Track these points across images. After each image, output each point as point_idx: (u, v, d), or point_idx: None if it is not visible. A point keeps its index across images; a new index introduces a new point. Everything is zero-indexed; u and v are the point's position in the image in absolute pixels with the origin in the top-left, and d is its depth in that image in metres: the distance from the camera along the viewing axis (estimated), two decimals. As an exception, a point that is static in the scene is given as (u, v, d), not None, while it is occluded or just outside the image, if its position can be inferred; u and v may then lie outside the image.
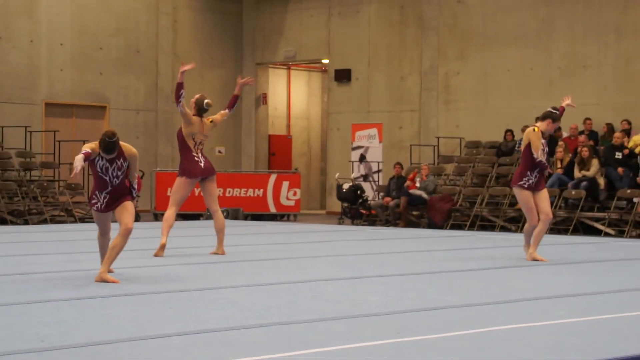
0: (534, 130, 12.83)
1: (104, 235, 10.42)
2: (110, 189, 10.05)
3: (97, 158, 9.95)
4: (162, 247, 12.81)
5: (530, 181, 12.81)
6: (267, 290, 9.59)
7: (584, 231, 20.26)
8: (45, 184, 23.19)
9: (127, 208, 10.10)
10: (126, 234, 9.98)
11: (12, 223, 21.52)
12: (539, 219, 12.81)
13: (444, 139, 25.51)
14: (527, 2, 24.47)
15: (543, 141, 12.83)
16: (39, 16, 25.68)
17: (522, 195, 12.86)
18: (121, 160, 10.00)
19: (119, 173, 10.03)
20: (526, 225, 13.09)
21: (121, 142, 9.99)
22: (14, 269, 11.29)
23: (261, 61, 29.92)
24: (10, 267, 11.63)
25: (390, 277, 10.94)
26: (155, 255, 12.78)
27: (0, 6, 24.98)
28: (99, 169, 9.99)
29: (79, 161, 9.70)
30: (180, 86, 12.91)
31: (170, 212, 13.04)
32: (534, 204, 12.85)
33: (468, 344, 6.65)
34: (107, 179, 10.02)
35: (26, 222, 21.70)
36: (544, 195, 12.89)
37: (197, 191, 24.40)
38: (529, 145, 12.82)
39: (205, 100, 13.23)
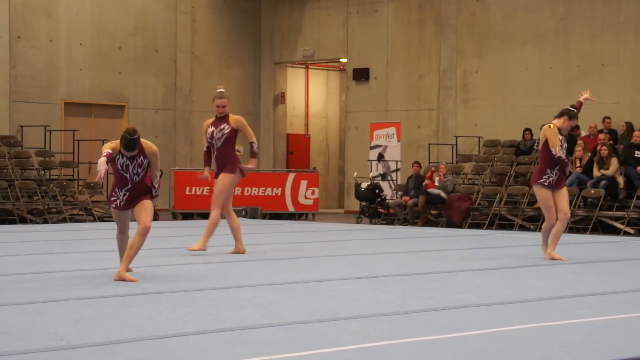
0: (549, 127, 12.78)
1: (122, 234, 10.43)
2: (130, 187, 10.08)
3: (118, 156, 9.99)
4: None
5: (551, 179, 12.75)
6: (285, 289, 9.60)
7: (603, 230, 20.19)
8: (64, 183, 23.26)
9: (146, 207, 10.12)
10: (144, 232, 10.01)
11: (32, 222, 21.60)
12: (557, 218, 12.77)
13: (462, 138, 25.47)
14: (546, 0, 24.40)
15: (561, 137, 12.77)
16: (58, 16, 25.76)
17: (542, 194, 12.82)
18: (141, 157, 10.03)
19: (139, 170, 10.05)
20: (544, 224, 13.05)
21: (142, 140, 10.02)
22: (33, 268, 11.33)
23: (279, 60, 29.94)
24: (29, 266, 11.68)
25: (407, 276, 10.94)
26: (190, 249, 12.84)
27: (20, 6, 25.07)
28: (119, 167, 10.02)
29: (102, 165, 9.73)
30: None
31: (219, 213, 12.93)
32: (552, 202, 12.80)
33: (486, 343, 6.63)
34: (128, 176, 10.04)
35: (45, 221, 21.77)
36: (563, 194, 12.84)
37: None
38: (546, 143, 12.77)
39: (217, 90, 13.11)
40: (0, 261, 12.38)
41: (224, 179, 12.95)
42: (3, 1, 24.71)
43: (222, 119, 13.02)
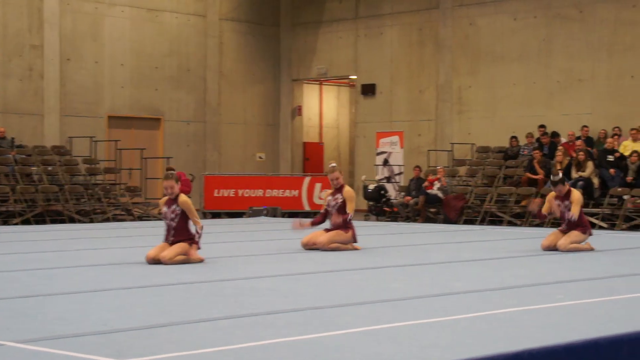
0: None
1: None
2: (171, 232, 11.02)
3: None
4: None
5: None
6: (301, 279, 9.60)
7: (581, 225, 20.10)
8: (108, 187, 23.32)
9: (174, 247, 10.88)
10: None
11: (79, 221, 21.64)
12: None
13: (458, 145, 25.43)
14: (530, 24, 24.37)
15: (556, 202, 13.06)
16: (102, 40, 25.83)
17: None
18: (175, 205, 10.88)
19: (173, 216, 10.89)
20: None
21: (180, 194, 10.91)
22: (80, 261, 11.36)
23: (297, 77, 29.96)
24: (76, 259, 11.71)
25: (408, 267, 10.93)
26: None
27: (69, 32, 25.15)
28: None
29: None
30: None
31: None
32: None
33: (478, 325, 6.62)
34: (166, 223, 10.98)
35: (91, 221, 21.81)
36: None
37: (240, 192, 24.49)
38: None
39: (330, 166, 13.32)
40: (52, 256, 12.41)
41: (340, 235, 13.00)
42: (54, 28, 24.80)
43: (338, 189, 13.08)
